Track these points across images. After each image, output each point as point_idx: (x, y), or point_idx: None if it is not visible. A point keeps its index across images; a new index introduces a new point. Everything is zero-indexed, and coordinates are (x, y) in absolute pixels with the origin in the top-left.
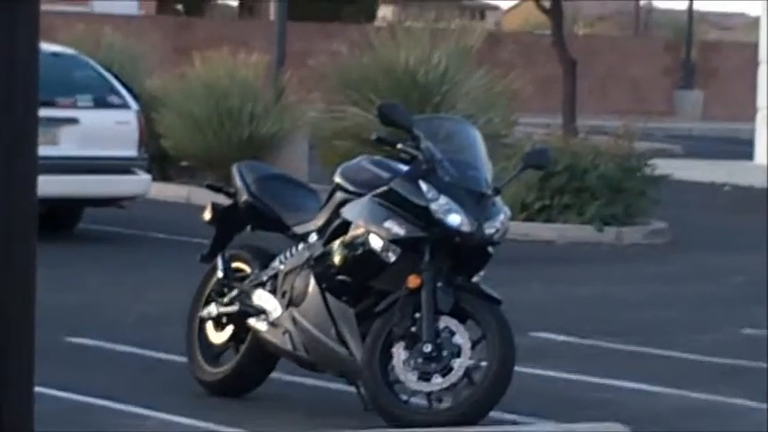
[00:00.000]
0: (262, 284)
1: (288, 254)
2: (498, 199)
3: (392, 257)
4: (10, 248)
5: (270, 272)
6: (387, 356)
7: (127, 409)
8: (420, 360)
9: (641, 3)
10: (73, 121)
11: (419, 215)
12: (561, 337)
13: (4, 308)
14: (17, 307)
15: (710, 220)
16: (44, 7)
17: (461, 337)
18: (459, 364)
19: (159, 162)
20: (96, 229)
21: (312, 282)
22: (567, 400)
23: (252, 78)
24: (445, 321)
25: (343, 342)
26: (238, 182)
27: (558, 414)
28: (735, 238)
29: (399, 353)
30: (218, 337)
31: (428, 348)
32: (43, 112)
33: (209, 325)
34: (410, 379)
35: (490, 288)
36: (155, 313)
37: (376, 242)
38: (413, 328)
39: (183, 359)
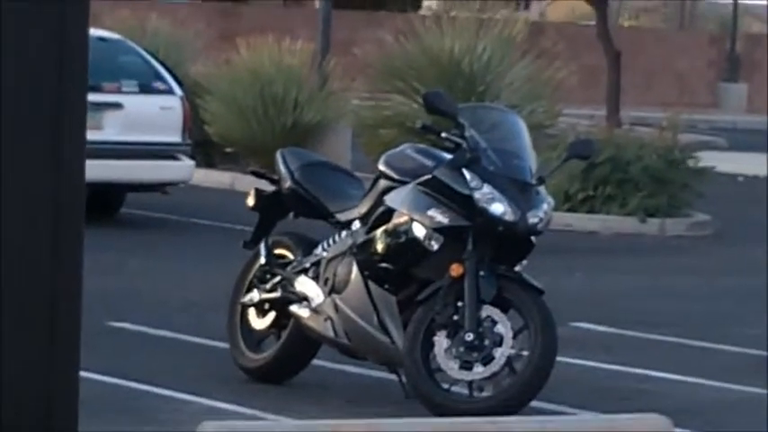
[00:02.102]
0: (304, 271)
1: (331, 241)
2: (542, 189)
3: (435, 246)
4: (58, 234)
5: (312, 259)
6: (428, 345)
7: (168, 394)
8: (462, 349)
9: None
10: (117, 106)
11: (462, 204)
12: (603, 328)
13: (51, 293)
14: (65, 292)
15: (754, 212)
16: None
17: (503, 327)
18: (501, 354)
19: (203, 148)
20: (139, 214)
21: (355, 269)
22: (608, 390)
23: (296, 66)
24: (487, 310)
25: (384, 330)
26: (282, 168)
27: (598, 405)
28: None
29: (441, 341)
30: (259, 323)
31: (470, 337)
32: (88, 97)
33: (252, 311)
34: (451, 367)
35: (533, 278)
36: (197, 299)
37: (419, 230)
38: (455, 317)
39: (225, 345)
